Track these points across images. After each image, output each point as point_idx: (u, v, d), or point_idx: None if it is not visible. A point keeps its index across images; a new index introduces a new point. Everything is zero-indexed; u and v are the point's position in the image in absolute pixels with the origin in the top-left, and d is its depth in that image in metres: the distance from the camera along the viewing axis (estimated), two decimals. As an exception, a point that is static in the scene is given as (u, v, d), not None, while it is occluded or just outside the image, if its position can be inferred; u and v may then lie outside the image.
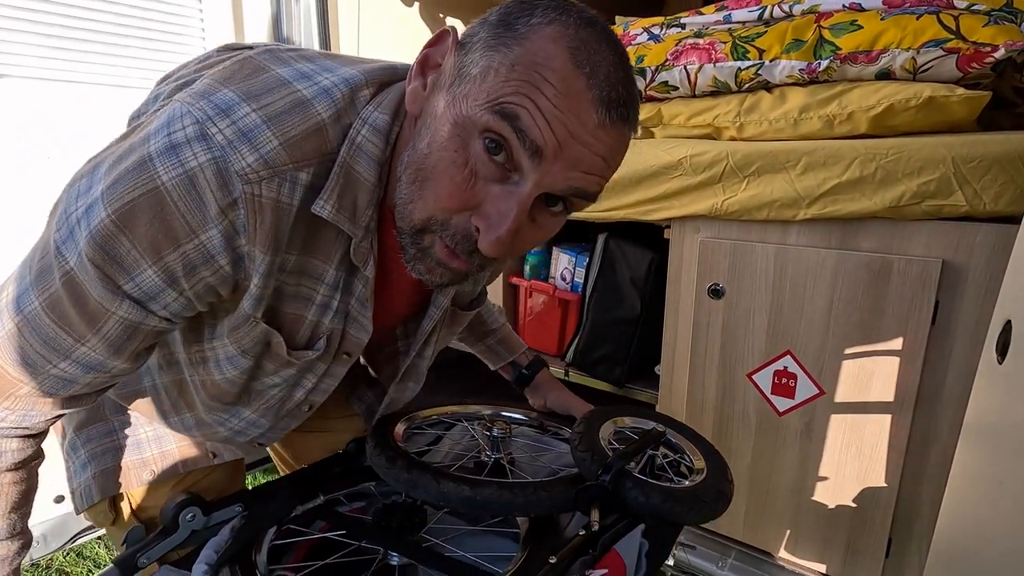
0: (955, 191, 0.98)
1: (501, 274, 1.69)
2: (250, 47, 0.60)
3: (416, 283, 0.61)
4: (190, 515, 0.67)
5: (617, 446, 0.76)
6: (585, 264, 1.58)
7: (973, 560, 0.76)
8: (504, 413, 0.96)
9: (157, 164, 0.46)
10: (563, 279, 1.66)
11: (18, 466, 0.59)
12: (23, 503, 0.60)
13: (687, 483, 0.72)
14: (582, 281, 1.59)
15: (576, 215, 1.42)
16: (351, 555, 0.69)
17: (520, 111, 0.45)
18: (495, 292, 1.73)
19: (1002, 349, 0.71)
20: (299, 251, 0.56)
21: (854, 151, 1.05)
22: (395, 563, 0.69)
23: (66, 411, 0.58)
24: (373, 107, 0.54)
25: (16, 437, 0.57)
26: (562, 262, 1.65)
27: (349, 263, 0.59)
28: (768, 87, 1.25)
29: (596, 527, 0.64)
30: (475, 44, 0.48)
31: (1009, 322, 0.70)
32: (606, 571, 0.57)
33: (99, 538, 1.99)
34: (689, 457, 0.80)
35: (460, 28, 0.55)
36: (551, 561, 0.60)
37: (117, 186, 0.47)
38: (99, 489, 0.74)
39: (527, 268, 1.71)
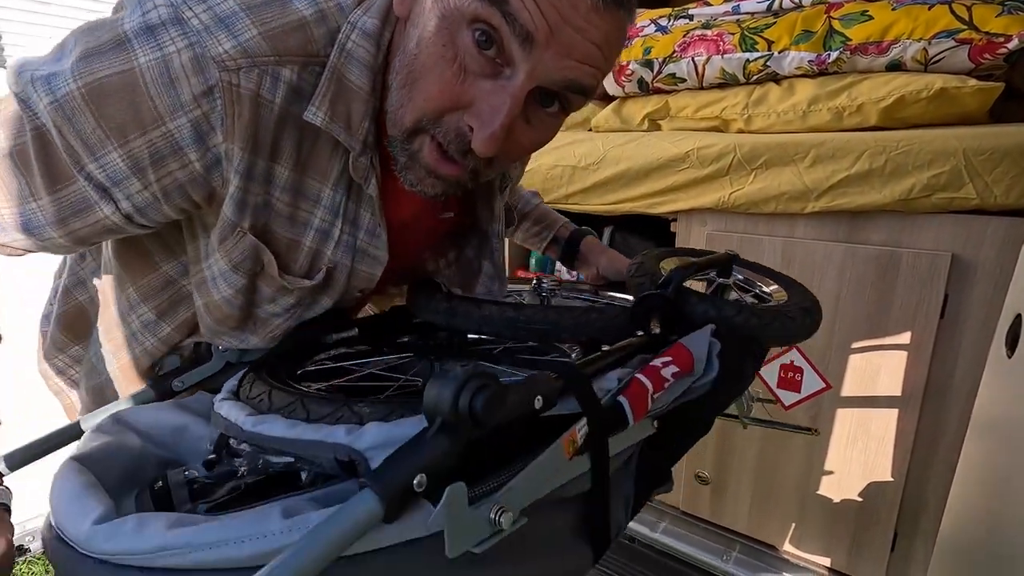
0: (966, 184, 0.97)
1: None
2: None
3: (433, 206, 0.57)
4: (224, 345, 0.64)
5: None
6: (591, 257, 1.58)
7: (979, 553, 0.76)
8: (546, 279, 0.86)
9: (135, 45, 0.45)
10: (569, 272, 1.65)
11: None
12: None
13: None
14: (588, 274, 1.59)
15: (582, 208, 1.42)
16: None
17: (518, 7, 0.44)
18: (500, 285, 1.73)
19: (1011, 343, 0.70)
20: (292, 167, 0.54)
21: (864, 143, 1.04)
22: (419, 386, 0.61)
23: None
24: (361, 11, 0.52)
25: None
26: (568, 255, 1.65)
27: (348, 183, 0.57)
28: (777, 79, 1.24)
29: (658, 331, 0.55)
30: None
31: (1019, 316, 0.70)
32: (671, 359, 0.50)
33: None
34: (765, 289, 0.69)
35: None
36: (604, 349, 0.52)
37: (91, 61, 0.46)
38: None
39: (532, 262, 1.71)
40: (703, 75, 1.30)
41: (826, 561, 1.26)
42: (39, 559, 1.77)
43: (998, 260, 0.98)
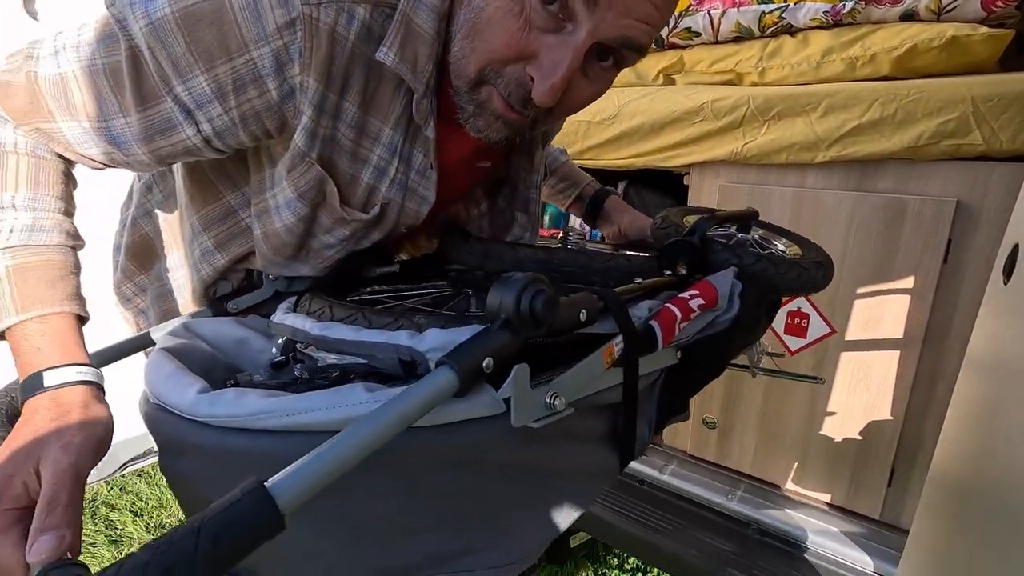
0: (973, 130, 1.00)
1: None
2: None
3: (474, 154, 0.61)
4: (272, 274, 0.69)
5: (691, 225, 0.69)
6: (604, 213, 1.62)
7: (968, 484, 0.81)
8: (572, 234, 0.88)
9: None
10: (581, 228, 1.70)
11: (61, 164, 0.58)
12: (67, 188, 0.60)
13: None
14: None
15: (597, 163, 1.46)
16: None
17: None
18: (515, 242, 1.77)
19: (1008, 271, 0.75)
20: (358, 104, 0.57)
21: (875, 92, 1.07)
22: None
23: (63, 167, 0.58)
24: None
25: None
26: (581, 212, 1.69)
27: (407, 125, 0.60)
28: (791, 31, 1.26)
29: (684, 271, 0.60)
30: None
31: (1016, 245, 0.74)
32: (698, 292, 0.54)
33: (139, 473, 2.12)
34: (780, 247, 0.75)
35: None
36: (637, 282, 0.56)
37: None
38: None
39: (546, 219, 1.75)
40: (718, 29, 1.32)
41: (826, 497, 1.33)
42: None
43: (1002, 205, 1.01)
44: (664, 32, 1.40)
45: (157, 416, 0.47)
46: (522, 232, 0.83)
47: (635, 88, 1.45)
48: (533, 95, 0.52)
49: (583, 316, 0.46)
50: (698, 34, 1.36)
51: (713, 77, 1.36)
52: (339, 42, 0.53)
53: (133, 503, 1.98)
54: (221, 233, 0.70)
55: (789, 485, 1.38)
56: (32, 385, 0.47)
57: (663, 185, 1.49)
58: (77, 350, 0.51)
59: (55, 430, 0.45)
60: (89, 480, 0.50)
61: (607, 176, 1.54)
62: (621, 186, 1.54)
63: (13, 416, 0.50)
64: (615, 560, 1.72)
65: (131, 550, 0.34)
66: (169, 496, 2.02)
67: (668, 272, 0.61)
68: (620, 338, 0.49)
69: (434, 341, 0.46)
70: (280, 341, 0.59)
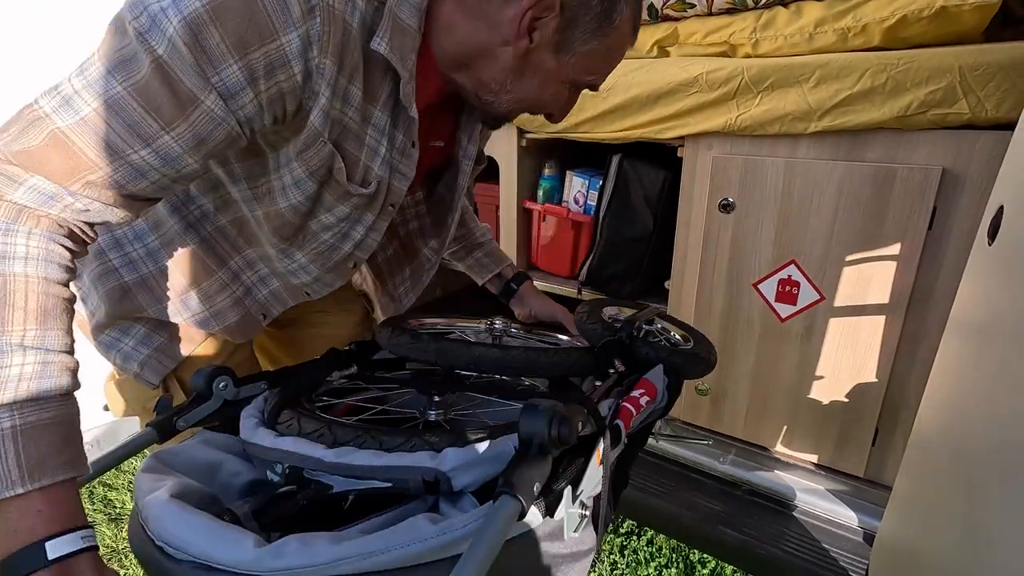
0: (959, 99, 1.03)
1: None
2: None
3: (430, 132, 0.72)
4: (222, 383, 0.70)
5: (610, 321, 0.88)
6: (598, 187, 1.63)
7: (947, 443, 0.85)
8: (498, 321, 1.02)
9: None
10: (576, 202, 1.71)
11: (69, 278, 0.56)
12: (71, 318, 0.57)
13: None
14: (595, 204, 1.65)
15: (591, 136, 1.47)
16: (390, 412, 0.75)
17: (599, 80, 0.75)
18: (509, 216, 1.78)
19: (992, 232, 0.78)
20: (361, 88, 0.63)
21: (867, 62, 1.09)
22: (432, 419, 0.73)
23: (120, 214, 0.57)
24: None
25: (64, 242, 0.55)
26: (575, 185, 1.70)
27: (392, 107, 0.67)
28: (784, 2, 1.27)
29: (623, 369, 0.75)
30: (581, 21, 0.65)
31: (1001, 207, 0.77)
32: (643, 391, 0.68)
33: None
34: (676, 334, 0.94)
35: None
36: (597, 385, 0.70)
37: None
38: (169, 357, 0.81)
39: (540, 193, 1.76)
40: (712, 0, 1.33)
41: (813, 458, 1.39)
42: None
43: (985, 172, 1.05)
44: (659, 3, 1.40)
45: None
46: (452, 222, 0.93)
47: (630, 60, 1.45)
48: (551, 120, 0.78)
49: (581, 428, 0.54)
50: (692, 5, 1.36)
51: (707, 49, 1.37)
52: (347, 31, 0.58)
53: (129, 482, 1.98)
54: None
55: (778, 447, 1.43)
56: (33, 559, 0.44)
57: (657, 159, 1.50)
58: (78, 511, 0.48)
59: None
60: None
61: (600, 150, 1.56)
62: (615, 159, 1.56)
63: None
64: (610, 524, 1.78)
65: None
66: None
67: (611, 370, 0.76)
68: (602, 440, 0.57)
69: (455, 460, 0.53)
70: (280, 468, 0.59)
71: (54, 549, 0.44)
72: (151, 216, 0.77)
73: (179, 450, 0.62)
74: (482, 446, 0.53)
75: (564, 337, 1.01)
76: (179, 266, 0.79)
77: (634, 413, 0.63)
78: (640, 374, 0.72)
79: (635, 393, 0.67)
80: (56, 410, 0.50)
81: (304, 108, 0.60)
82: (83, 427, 0.55)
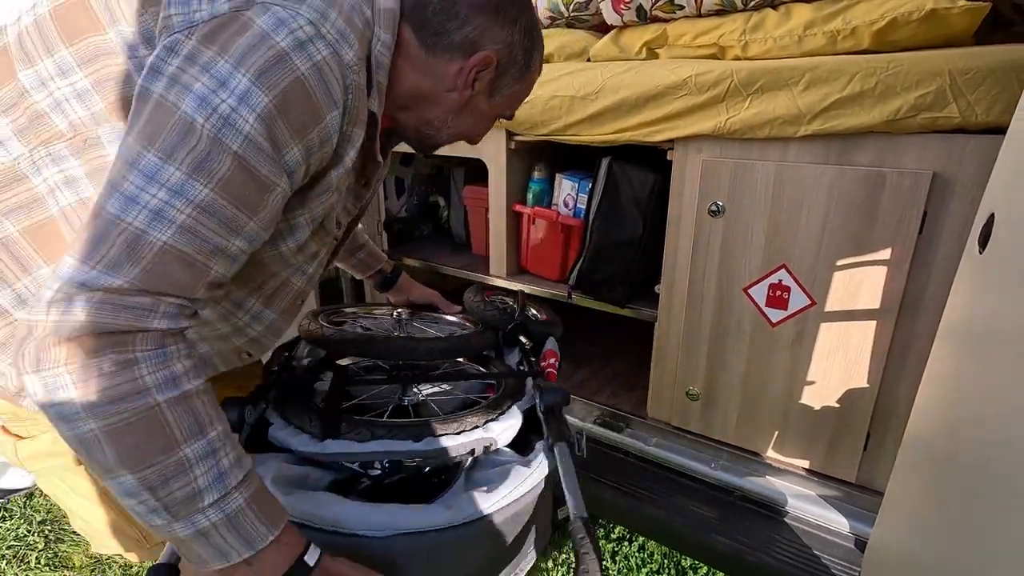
0: (949, 103, 1.02)
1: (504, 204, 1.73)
2: None
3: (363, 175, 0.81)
4: (248, 411, 0.83)
5: (500, 307, 1.28)
6: (588, 191, 1.62)
7: (938, 449, 0.85)
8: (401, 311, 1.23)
9: (294, 58, 0.56)
10: (566, 205, 1.70)
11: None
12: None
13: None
14: (584, 207, 1.63)
15: (580, 139, 1.45)
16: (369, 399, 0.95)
17: (515, 111, 0.89)
18: (499, 219, 1.76)
19: (983, 240, 0.77)
20: (360, 144, 0.69)
21: (856, 65, 1.08)
22: (407, 402, 0.93)
23: (207, 388, 0.60)
24: (379, 26, 0.67)
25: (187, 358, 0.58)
26: (565, 189, 1.69)
27: (364, 153, 0.74)
28: (774, 4, 1.26)
29: (530, 345, 1.12)
30: (509, 72, 0.79)
31: (992, 215, 0.76)
32: (555, 360, 1.06)
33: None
34: (539, 313, 1.32)
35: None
36: (530, 361, 1.07)
37: (267, 77, 0.55)
38: None
39: (530, 196, 1.74)
40: (701, 1, 1.31)
41: (805, 463, 1.38)
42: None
43: (975, 177, 1.04)
44: (648, 5, 1.38)
45: (399, 541, 0.68)
46: (367, 204, 0.97)
47: (619, 62, 1.44)
48: (469, 143, 0.90)
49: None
50: (681, 7, 1.35)
51: (697, 51, 1.36)
52: (362, 97, 0.66)
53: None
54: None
55: (769, 453, 1.42)
56: (299, 572, 0.60)
57: (647, 161, 1.49)
58: (300, 534, 0.64)
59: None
60: None
61: (590, 153, 1.54)
62: (605, 162, 1.54)
63: None
64: (601, 531, 1.77)
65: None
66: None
67: (517, 346, 1.13)
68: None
69: (498, 429, 0.83)
70: (379, 464, 0.79)
71: (310, 560, 0.61)
72: None
73: (269, 468, 0.74)
74: (506, 416, 0.84)
75: (451, 318, 1.24)
76: None
77: (555, 374, 1.04)
78: (540, 347, 1.12)
79: (551, 360, 1.06)
80: (255, 475, 0.62)
81: (328, 167, 0.67)
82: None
